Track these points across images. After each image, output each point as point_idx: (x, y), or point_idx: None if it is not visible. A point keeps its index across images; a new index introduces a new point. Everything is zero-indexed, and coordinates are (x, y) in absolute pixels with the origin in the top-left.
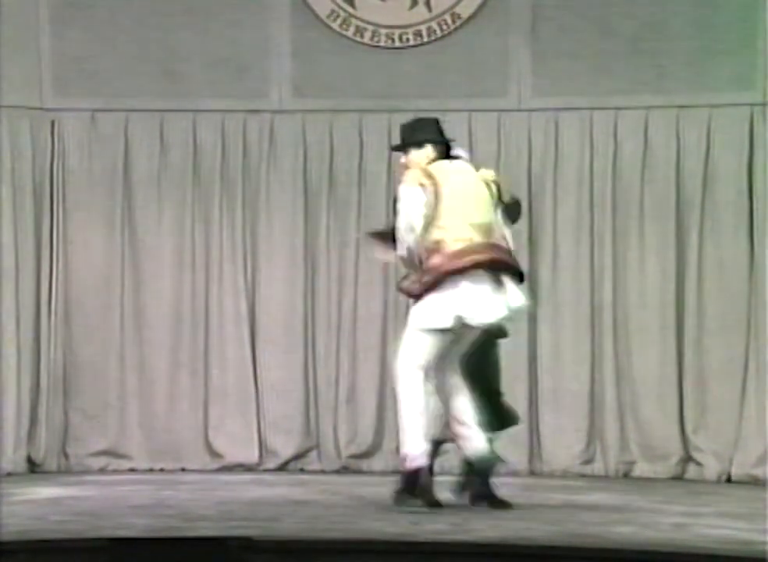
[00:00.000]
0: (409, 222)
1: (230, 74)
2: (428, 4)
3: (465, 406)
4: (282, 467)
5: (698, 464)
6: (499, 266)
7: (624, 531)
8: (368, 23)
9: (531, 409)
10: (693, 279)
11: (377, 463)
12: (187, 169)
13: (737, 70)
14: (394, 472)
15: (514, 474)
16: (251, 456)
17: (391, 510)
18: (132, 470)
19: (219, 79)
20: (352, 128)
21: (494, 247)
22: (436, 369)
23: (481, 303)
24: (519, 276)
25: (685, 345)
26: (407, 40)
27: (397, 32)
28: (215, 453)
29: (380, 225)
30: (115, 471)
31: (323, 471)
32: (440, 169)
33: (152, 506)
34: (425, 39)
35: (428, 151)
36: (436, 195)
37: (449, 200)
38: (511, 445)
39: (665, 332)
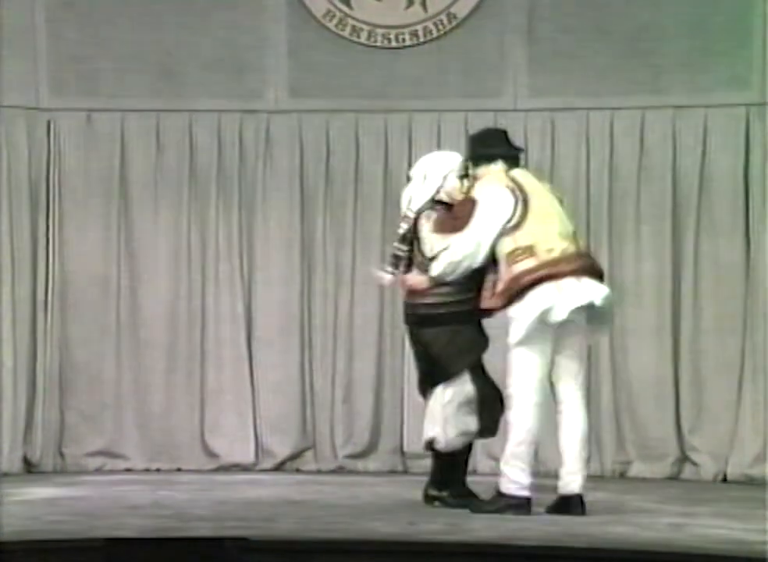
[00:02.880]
0: (493, 224)
1: (226, 74)
2: (424, 4)
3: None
4: (278, 468)
5: (695, 464)
6: (589, 274)
7: (620, 531)
8: (364, 23)
9: None
10: (689, 279)
11: (373, 463)
12: (183, 169)
13: (733, 71)
14: (391, 472)
15: None
16: (247, 456)
17: (387, 510)
18: (128, 470)
19: (215, 79)
20: (348, 128)
21: (582, 256)
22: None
23: (558, 304)
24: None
25: (681, 345)
26: (403, 40)
27: (393, 32)
28: (211, 453)
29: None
30: (112, 472)
31: (319, 471)
32: (522, 176)
33: (148, 507)
34: (421, 39)
35: (499, 164)
36: (525, 202)
37: (537, 207)
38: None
39: (661, 332)
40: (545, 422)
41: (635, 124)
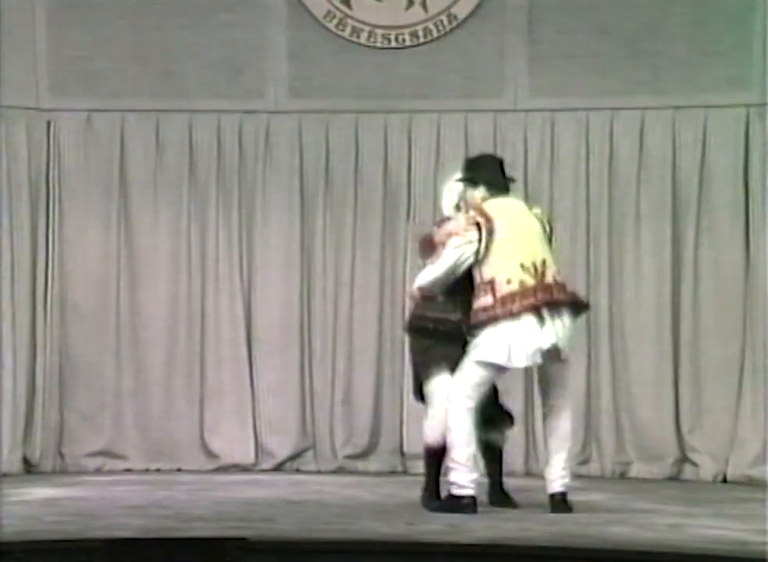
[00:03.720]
0: (455, 265)
1: (226, 75)
2: (424, 4)
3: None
4: (278, 468)
5: (694, 464)
6: (551, 306)
7: (620, 532)
8: (364, 23)
9: (527, 410)
10: (689, 279)
11: (373, 463)
12: (183, 170)
13: (733, 71)
14: (390, 473)
15: (511, 474)
16: (247, 456)
17: (387, 511)
18: (128, 470)
19: (215, 79)
20: (348, 128)
21: (546, 288)
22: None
23: (526, 344)
24: (578, 308)
25: (681, 345)
26: (404, 40)
27: (393, 32)
28: (210, 454)
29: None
30: (111, 472)
31: (319, 472)
32: (495, 208)
33: (148, 507)
34: (422, 40)
35: (482, 190)
36: (490, 233)
37: (502, 240)
38: (507, 446)
39: (661, 332)
40: (478, 426)
41: (635, 124)
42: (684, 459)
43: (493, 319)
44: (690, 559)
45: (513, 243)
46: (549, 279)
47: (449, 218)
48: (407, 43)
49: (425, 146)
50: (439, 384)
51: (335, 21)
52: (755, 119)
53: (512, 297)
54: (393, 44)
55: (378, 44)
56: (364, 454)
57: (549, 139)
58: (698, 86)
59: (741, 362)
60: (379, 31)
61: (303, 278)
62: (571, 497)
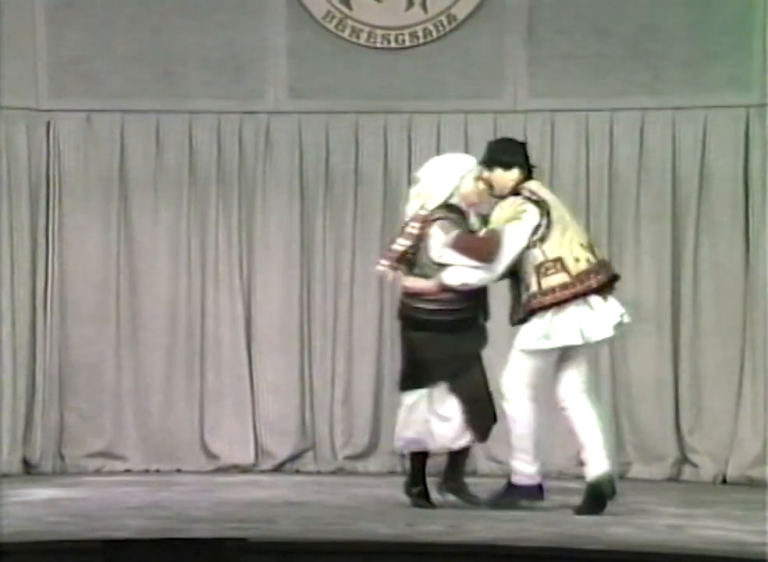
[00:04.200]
0: (521, 247)
1: (226, 75)
2: (424, 5)
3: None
4: (277, 469)
5: (694, 465)
6: (610, 285)
7: (620, 533)
8: (364, 24)
9: None
10: (689, 280)
11: (373, 464)
12: (183, 170)
13: (733, 72)
14: (390, 473)
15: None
16: (247, 457)
17: (387, 511)
18: (127, 471)
19: (215, 80)
20: (348, 129)
21: (605, 265)
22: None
23: (595, 322)
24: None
25: (681, 346)
26: (403, 41)
27: (393, 33)
28: (210, 454)
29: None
30: (111, 473)
31: (319, 472)
32: (540, 190)
33: (148, 508)
34: (421, 40)
35: (515, 173)
36: (548, 214)
37: (558, 218)
38: (506, 446)
39: (661, 333)
40: (541, 415)
41: (635, 125)
42: (683, 460)
43: (573, 296)
44: (689, 559)
45: (568, 223)
46: (600, 257)
47: (446, 218)
48: (407, 43)
49: (425, 146)
50: (419, 400)
51: (335, 21)
52: (755, 119)
53: (587, 274)
54: (393, 44)
55: (378, 45)
56: (364, 455)
57: (549, 139)
58: (698, 86)
59: (741, 362)
60: (379, 32)
61: (302, 278)
62: (571, 498)
